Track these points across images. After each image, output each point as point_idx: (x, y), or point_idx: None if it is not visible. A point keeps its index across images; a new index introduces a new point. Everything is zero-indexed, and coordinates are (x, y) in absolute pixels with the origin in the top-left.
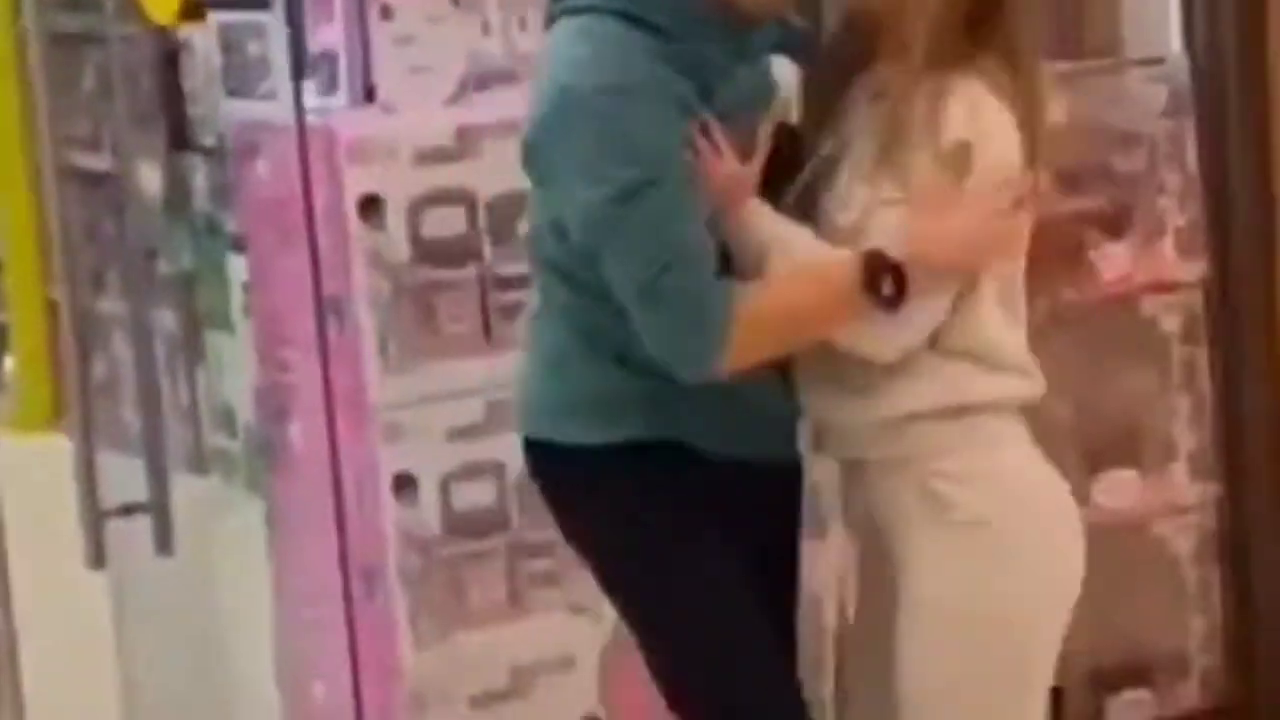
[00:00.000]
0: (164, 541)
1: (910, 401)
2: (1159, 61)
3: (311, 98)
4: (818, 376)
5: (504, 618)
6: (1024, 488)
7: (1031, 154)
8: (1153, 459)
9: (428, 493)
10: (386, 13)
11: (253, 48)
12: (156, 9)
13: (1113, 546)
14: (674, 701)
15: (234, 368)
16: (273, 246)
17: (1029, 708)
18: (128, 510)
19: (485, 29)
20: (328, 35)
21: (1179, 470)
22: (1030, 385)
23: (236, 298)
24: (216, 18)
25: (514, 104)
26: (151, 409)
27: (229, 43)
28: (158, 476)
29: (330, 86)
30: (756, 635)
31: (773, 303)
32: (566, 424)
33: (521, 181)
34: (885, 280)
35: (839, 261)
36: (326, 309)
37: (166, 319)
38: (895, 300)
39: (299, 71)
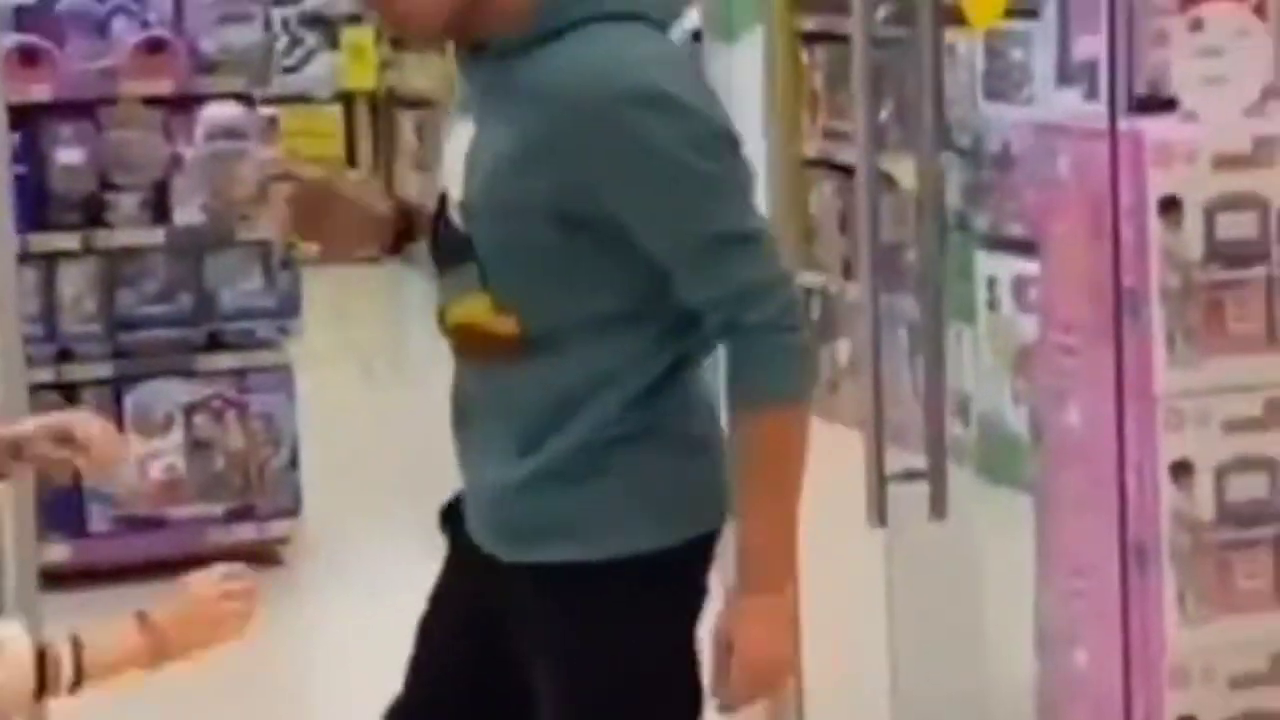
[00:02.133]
0: (939, 506)
1: None
2: None
3: (1074, 104)
4: None
5: (1266, 606)
6: None
7: None
8: None
9: (1203, 480)
10: (1197, 25)
11: (1016, 54)
12: (978, 14)
13: None
14: None
15: (972, 359)
16: (1066, 240)
17: None
18: (909, 476)
19: None
20: (1090, 45)
21: None
22: None
23: (981, 293)
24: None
25: None
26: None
27: (993, 49)
28: (936, 446)
29: (1091, 93)
30: None
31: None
32: (617, 533)
33: None
34: None
35: None
36: (1124, 301)
37: (909, 308)
38: None
39: (1073, 80)
